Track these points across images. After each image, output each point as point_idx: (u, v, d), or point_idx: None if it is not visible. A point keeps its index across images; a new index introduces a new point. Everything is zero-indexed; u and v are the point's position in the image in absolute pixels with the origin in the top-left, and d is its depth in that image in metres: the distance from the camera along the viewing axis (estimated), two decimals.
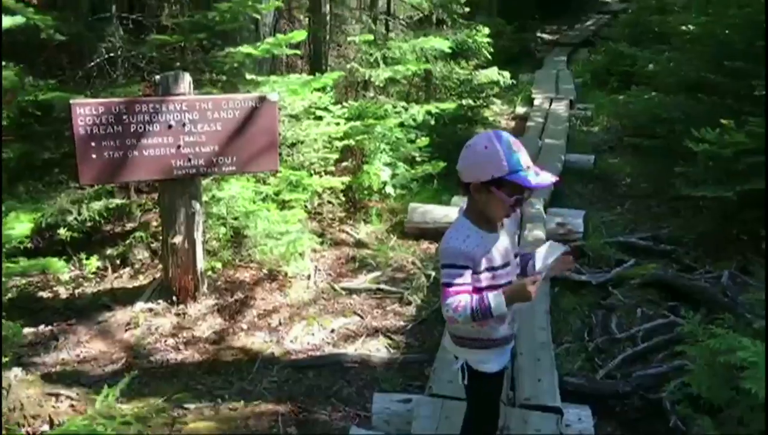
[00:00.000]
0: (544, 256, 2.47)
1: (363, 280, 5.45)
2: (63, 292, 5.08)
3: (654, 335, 4.53)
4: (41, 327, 4.64)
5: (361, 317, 4.95)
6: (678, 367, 3.99)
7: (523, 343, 4.05)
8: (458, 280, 2.43)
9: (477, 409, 2.80)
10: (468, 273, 2.43)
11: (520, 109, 11.49)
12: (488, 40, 9.13)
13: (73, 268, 5.29)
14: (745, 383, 2.72)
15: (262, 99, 4.67)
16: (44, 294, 5.06)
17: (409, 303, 5.11)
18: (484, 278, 2.47)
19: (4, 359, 3.57)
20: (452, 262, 2.44)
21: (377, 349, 4.56)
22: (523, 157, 2.38)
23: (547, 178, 2.41)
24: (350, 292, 5.29)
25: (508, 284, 2.49)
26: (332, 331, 4.76)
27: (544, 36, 19.37)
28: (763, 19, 5.98)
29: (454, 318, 2.43)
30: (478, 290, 2.44)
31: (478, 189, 2.43)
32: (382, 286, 5.35)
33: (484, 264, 2.45)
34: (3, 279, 3.58)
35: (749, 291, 4.71)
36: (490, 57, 9.54)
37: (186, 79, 4.50)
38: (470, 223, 2.50)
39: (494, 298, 2.38)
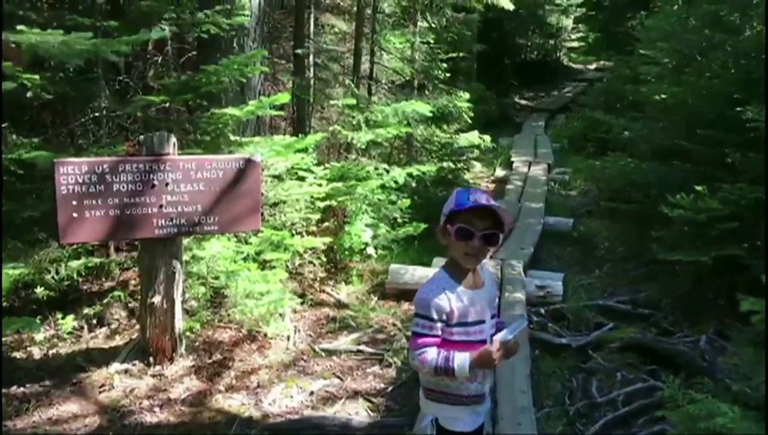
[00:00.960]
0: (512, 327, 2.49)
1: (343, 341, 5.42)
2: (37, 353, 4.98)
3: (634, 399, 4.54)
4: (13, 388, 4.52)
5: (341, 379, 4.90)
6: (658, 432, 4.01)
7: (504, 407, 4.03)
8: (427, 332, 2.46)
9: None
10: (438, 326, 2.46)
11: (500, 172, 11.69)
12: (468, 104, 9.36)
13: (48, 327, 5.19)
14: None
15: (246, 160, 4.72)
16: (17, 354, 4.95)
17: (390, 365, 5.07)
18: (456, 332, 2.48)
19: None
20: (424, 313, 2.47)
21: (357, 412, 4.50)
22: (473, 196, 2.44)
23: (480, 198, 2.43)
24: (330, 353, 5.24)
25: (482, 342, 2.50)
26: (311, 393, 4.70)
27: (523, 102, 19.89)
28: (732, 91, 6.21)
29: (419, 367, 2.49)
30: (450, 343, 2.47)
31: (441, 232, 2.52)
32: (362, 347, 5.32)
33: (456, 318, 2.47)
34: None
35: (727, 355, 4.74)
36: (470, 121, 9.75)
37: (171, 140, 4.54)
38: (448, 277, 2.53)
39: (458, 361, 2.41)
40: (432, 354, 2.44)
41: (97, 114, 5.94)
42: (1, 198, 4.51)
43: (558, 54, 25.73)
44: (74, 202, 4.23)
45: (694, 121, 6.58)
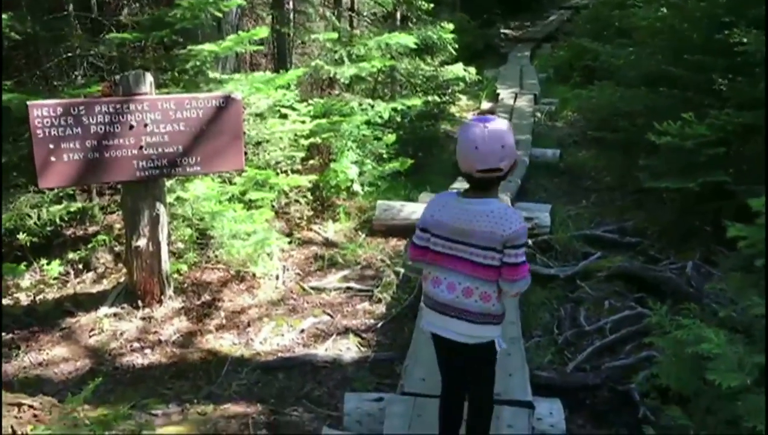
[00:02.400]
0: None
1: (332, 279, 5.42)
2: (24, 299, 4.95)
3: (622, 327, 4.59)
4: (2, 335, 4.51)
5: (331, 316, 4.91)
6: (646, 358, 4.05)
7: None
8: None
9: (493, 377, 2.92)
10: None
11: (486, 105, 11.55)
12: (452, 36, 9.15)
13: (33, 273, 5.15)
14: (710, 375, 2.77)
15: (226, 98, 4.60)
16: (4, 301, 4.91)
17: (379, 301, 5.09)
18: None
19: None
20: (526, 241, 2.66)
21: (348, 348, 4.54)
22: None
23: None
24: (319, 291, 5.25)
25: None
26: (302, 331, 4.72)
27: (508, 32, 19.52)
28: (720, 14, 6.08)
29: (519, 291, 2.74)
30: None
31: (503, 168, 2.61)
32: (351, 284, 5.33)
33: None
34: None
35: (713, 280, 4.78)
36: (454, 53, 9.56)
37: (147, 79, 4.41)
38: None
39: None
40: None
41: (70, 54, 5.76)
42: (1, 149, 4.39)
43: None
44: (51, 146, 4.13)
45: (682, 47, 6.45)
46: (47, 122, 4.09)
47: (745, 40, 5.15)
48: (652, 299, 4.47)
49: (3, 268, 4.46)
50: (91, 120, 4.21)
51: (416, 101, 7.74)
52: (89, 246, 5.31)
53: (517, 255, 2.60)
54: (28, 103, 4.08)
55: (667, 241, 5.86)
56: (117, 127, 4.30)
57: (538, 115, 10.74)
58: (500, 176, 2.62)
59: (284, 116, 6.20)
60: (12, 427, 3.42)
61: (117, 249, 5.39)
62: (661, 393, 3.59)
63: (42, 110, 4.08)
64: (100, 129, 4.25)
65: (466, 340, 2.73)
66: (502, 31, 19.10)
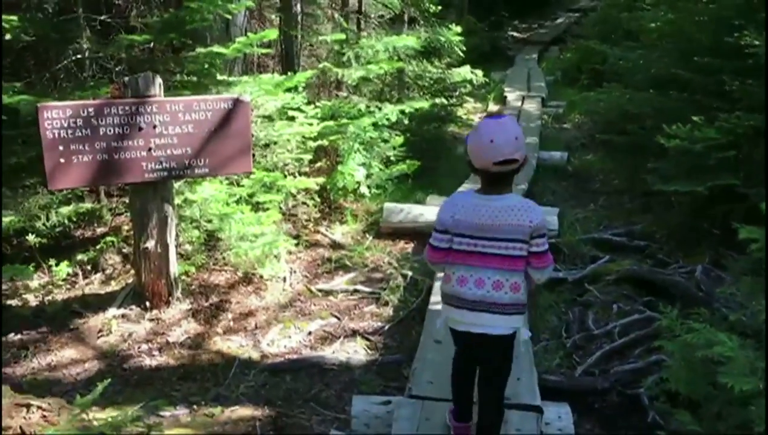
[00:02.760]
0: None
1: (339, 282, 5.41)
2: (32, 300, 4.96)
3: (630, 330, 4.57)
4: (10, 336, 4.52)
5: (338, 319, 4.91)
6: (655, 362, 4.03)
7: None
8: None
9: (508, 375, 3.01)
10: None
11: (493, 107, 11.54)
12: (460, 38, 9.14)
13: (42, 274, 5.16)
14: (723, 378, 2.75)
15: (235, 100, 4.61)
16: (13, 302, 4.93)
17: (386, 303, 5.08)
18: None
19: None
20: (546, 231, 2.84)
21: (355, 350, 4.53)
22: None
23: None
24: (327, 293, 5.25)
25: None
26: (309, 333, 4.72)
27: (515, 34, 19.51)
28: (730, 16, 6.05)
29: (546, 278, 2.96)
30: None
31: (519, 163, 2.77)
32: (358, 287, 5.32)
33: None
34: None
35: (723, 284, 4.75)
36: (462, 55, 9.55)
37: (156, 81, 4.42)
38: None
39: None
40: None
41: (79, 56, 5.77)
42: (1, 148, 4.41)
43: None
44: (61, 147, 4.14)
45: (691, 49, 6.43)
46: (57, 124, 4.10)
47: (755, 42, 5.13)
48: (662, 303, 4.46)
49: (12, 269, 4.48)
50: (100, 122, 4.22)
51: (423, 103, 7.73)
52: (98, 247, 5.32)
53: (543, 244, 2.79)
54: (38, 105, 4.09)
55: (676, 244, 5.83)
56: (126, 129, 4.31)
57: (546, 117, 10.72)
58: (515, 169, 2.76)
59: (292, 118, 6.20)
60: (21, 428, 3.43)
61: (125, 250, 5.40)
62: (670, 397, 3.57)
63: (52, 112, 4.09)
64: (110, 131, 4.26)
65: (499, 332, 2.83)
66: (509, 33, 19.10)
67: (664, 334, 3.53)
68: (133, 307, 4.79)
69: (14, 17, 4.54)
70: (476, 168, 2.77)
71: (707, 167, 5.46)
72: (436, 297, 4.65)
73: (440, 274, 2.96)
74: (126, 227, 5.53)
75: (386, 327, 4.79)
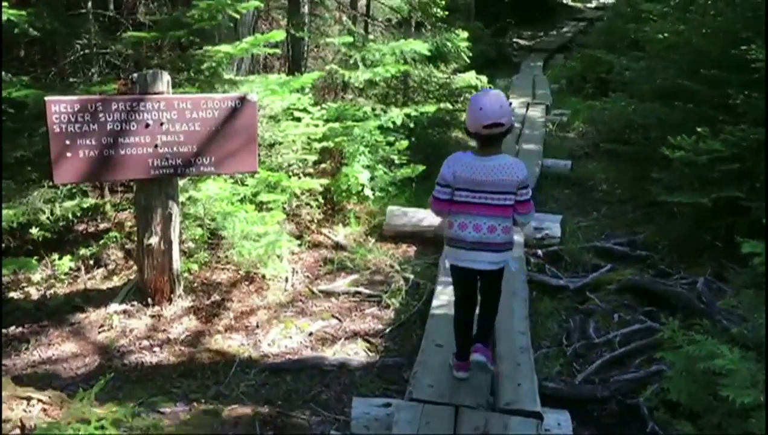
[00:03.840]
0: None
1: (341, 283, 5.42)
2: (34, 293, 4.97)
3: (631, 340, 4.57)
4: (12, 328, 4.53)
5: (339, 320, 4.91)
6: (655, 372, 4.03)
7: (503, 348, 4.05)
8: None
9: (500, 290, 3.73)
10: None
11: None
12: (466, 44, 9.16)
13: (44, 268, 5.17)
14: (724, 390, 2.75)
15: (242, 99, 4.61)
16: (15, 295, 4.94)
17: (388, 306, 5.09)
18: None
19: None
20: (528, 183, 3.48)
21: (356, 352, 4.53)
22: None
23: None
24: (328, 294, 5.25)
25: None
26: (310, 334, 4.72)
27: (521, 41, 19.55)
28: (738, 29, 6.06)
29: (530, 222, 3.76)
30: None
31: (506, 130, 3.42)
32: (360, 288, 5.32)
33: None
34: None
35: (725, 297, 4.76)
36: (468, 61, 9.57)
37: (164, 78, 4.43)
38: None
39: None
40: None
41: (86, 51, 5.79)
42: (1, 140, 4.42)
43: None
44: (67, 142, 4.16)
45: (697, 61, 6.44)
46: (64, 118, 4.11)
47: (761, 56, 5.14)
48: (663, 314, 4.47)
49: (16, 262, 4.48)
50: (107, 117, 4.23)
51: (429, 108, 7.74)
52: (100, 242, 5.33)
53: (527, 193, 3.48)
54: (45, 98, 4.10)
55: (678, 255, 5.83)
56: (133, 125, 4.32)
57: (550, 125, 10.73)
58: (502, 132, 3.39)
59: (297, 119, 6.22)
60: (21, 420, 3.43)
61: (128, 246, 5.41)
62: (670, 408, 3.56)
63: (59, 106, 4.10)
64: (116, 126, 4.27)
65: (493, 267, 3.53)
66: (515, 40, 19.13)
67: (665, 344, 3.53)
68: (135, 303, 4.80)
69: (23, 12, 4.55)
70: (471, 132, 3.44)
71: (711, 179, 5.47)
72: (437, 301, 4.66)
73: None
74: (129, 223, 5.54)
75: (387, 329, 4.79)
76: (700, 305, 4.80)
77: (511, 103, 3.49)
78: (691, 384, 3.15)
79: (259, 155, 5.02)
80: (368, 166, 6.71)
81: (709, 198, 5.39)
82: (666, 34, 7.52)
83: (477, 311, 3.75)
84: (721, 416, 2.96)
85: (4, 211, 4.54)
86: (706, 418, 3.07)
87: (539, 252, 5.87)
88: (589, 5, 25.57)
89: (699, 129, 5.44)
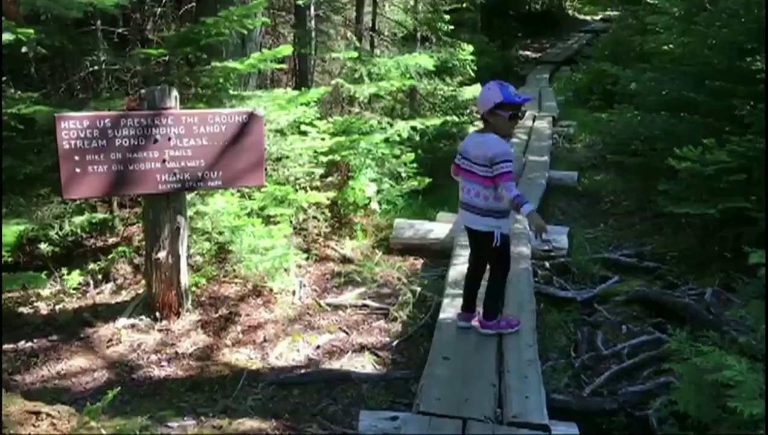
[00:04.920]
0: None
1: (348, 296, 5.43)
2: (43, 308, 5.00)
3: (639, 352, 4.55)
4: (21, 343, 4.56)
5: (347, 333, 4.92)
6: (664, 384, 4.01)
7: (510, 360, 4.04)
8: (511, 169, 3.97)
9: (504, 263, 4.34)
10: (513, 166, 4.01)
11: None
12: (472, 57, 9.21)
13: (53, 283, 5.20)
14: (733, 402, 2.74)
15: (249, 114, 4.65)
16: (24, 310, 4.97)
17: (395, 319, 5.09)
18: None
19: None
20: (507, 157, 3.99)
21: (363, 365, 4.53)
22: (512, 89, 4.07)
23: (523, 96, 4.14)
24: (335, 308, 5.26)
25: None
26: (318, 347, 4.72)
27: (527, 54, 19.60)
28: (743, 40, 6.08)
29: (508, 196, 3.93)
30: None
31: (488, 113, 4.09)
32: (367, 302, 5.33)
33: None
34: None
35: (733, 308, 4.74)
36: (473, 74, 9.61)
37: (172, 94, 4.47)
38: (504, 140, 4.11)
39: (527, 206, 3.92)
40: (514, 186, 3.99)
41: (95, 68, 5.85)
42: (0, 155, 4.46)
43: (563, 4, 25.27)
44: (76, 158, 4.20)
45: (703, 72, 6.46)
46: (74, 134, 4.16)
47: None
48: (671, 325, 4.45)
49: (25, 277, 4.51)
50: (116, 133, 4.28)
51: (435, 121, 7.78)
52: (109, 257, 5.37)
53: (499, 169, 3.96)
54: (55, 115, 4.15)
55: (686, 266, 5.81)
56: (141, 141, 4.36)
57: (557, 137, 10.75)
58: (482, 116, 4.17)
59: (304, 133, 6.26)
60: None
61: (136, 261, 5.44)
62: (678, 419, 3.56)
63: (69, 122, 4.15)
64: (125, 142, 4.31)
65: (476, 228, 4.23)
66: (521, 53, 19.19)
67: (673, 356, 3.53)
68: (143, 317, 4.82)
69: (31, 30, 4.61)
70: (479, 114, 4.26)
71: (718, 190, 5.47)
72: (444, 314, 4.66)
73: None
74: (137, 238, 5.57)
75: (395, 342, 4.79)
76: (709, 316, 4.79)
77: (508, 92, 4.06)
78: (699, 396, 3.14)
79: (266, 169, 5.05)
80: (375, 179, 6.74)
81: (716, 209, 5.38)
82: (671, 46, 7.56)
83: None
84: (730, 428, 2.95)
85: (14, 228, 4.58)
86: (715, 429, 3.06)
87: (547, 264, 5.84)
88: (595, 17, 25.64)
89: (705, 140, 5.44)
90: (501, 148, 4.00)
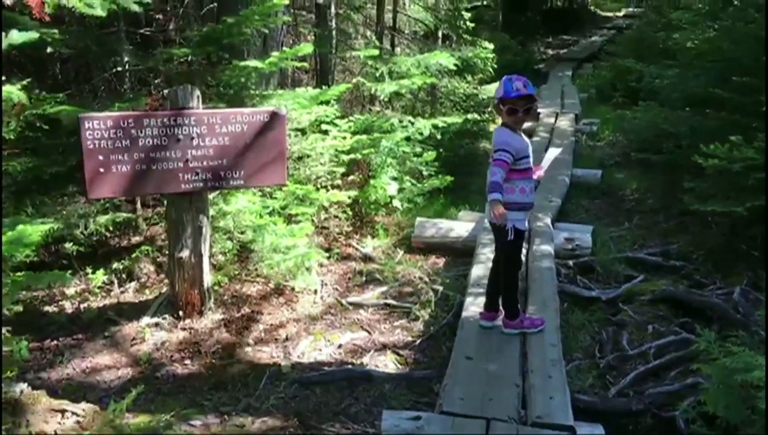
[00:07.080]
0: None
1: (370, 295, 5.42)
2: (68, 307, 5.05)
3: (666, 352, 4.48)
4: (47, 342, 4.61)
5: (369, 332, 4.90)
6: (691, 385, 3.95)
7: (534, 360, 4.01)
8: (503, 157, 3.98)
9: (514, 258, 4.31)
10: (509, 156, 3.99)
11: (526, 124, 11.49)
12: (492, 55, 9.15)
13: (78, 282, 5.26)
14: (762, 403, 2.69)
15: (271, 113, 4.65)
16: (49, 308, 5.02)
17: (417, 318, 5.07)
18: (520, 163, 4.07)
19: (9, 374, 3.54)
20: (503, 147, 4.01)
21: (385, 364, 4.52)
22: (516, 84, 4.06)
23: (521, 88, 4.06)
24: (357, 306, 5.25)
25: (529, 170, 4.17)
26: (340, 346, 4.72)
27: (549, 51, 19.46)
28: None
29: (492, 175, 3.95)
30: (517, 171, 4.08)
31: (496, 107, 4.25)
32: (389, 301, 5.31)
33: (520, 153, 4.06)
34: (9, 293, 3.56)
35: (762, 307, 4.65)
36: (494, 72, 9.56)
37: (195, 93, 4.49)
38: (508, 129, 4.12)
39: (494, 195, 3.92)
40: (500, 171, 3.94)
41: (119, 68, 5.90)
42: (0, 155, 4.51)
43: (585, 1, 25.07)
44: (100, 157, 4.23)
45: (729, 68, 6.35)
46: (98, 135, 4.19)
47: None
48: (698, 325, 4.39)
49: (51, 275, 4.54)
50: (140, 133, 4.30)
51: (456, 119, 7.75)
52: (133, 256, 5.41)
53: (494, 156, 4.01)
54: (79, 115, 4.18)
55: (713, 265, 5.72)
56: (164, 141, 4.38)
57: (579, 135, 10.65)
58: (495, 107, 4.30)
59: (325, 132, 6.26)
60: (55, 432, 3.47)
61: (159, 260, 5.48)
62: (707, 421, 3.49)
63: (93, 123, 4.18)
64: (148, 142, 4.34)
65: (492, 220, 4.13)
66: (543, 50, 19.06)
67: (701, 356, 3.47)
68: (167, 316, 4.84)
69: (56, 31, 4.65)
70: None
71: (746, 187, 5.37)
72: (467, 313, 4.63)
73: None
74: (161, 237, 5.61)
75: (417, 342, 4.77)
76: (737, 316, 4.71)
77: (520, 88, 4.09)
78: (728, 397, 3.08)
79: (287, 168, 5.06)
80: (396, 178, 6.73)
81: (743, 206, 5.29)
82: (696, 42, 7.45)
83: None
84: (760, 429, 2.89)
85: (40, 226, 4.61)
86: (744, 431, 3.00)
87: (570, 263, 5.78)
88: (618, 14, 25.41)
89: (732, 137, 5.35)
90: (500, 138, 4.07)
